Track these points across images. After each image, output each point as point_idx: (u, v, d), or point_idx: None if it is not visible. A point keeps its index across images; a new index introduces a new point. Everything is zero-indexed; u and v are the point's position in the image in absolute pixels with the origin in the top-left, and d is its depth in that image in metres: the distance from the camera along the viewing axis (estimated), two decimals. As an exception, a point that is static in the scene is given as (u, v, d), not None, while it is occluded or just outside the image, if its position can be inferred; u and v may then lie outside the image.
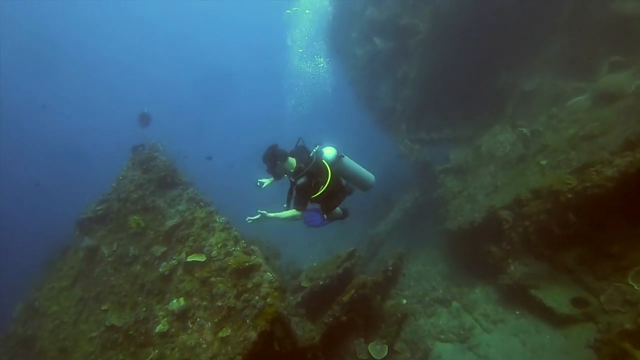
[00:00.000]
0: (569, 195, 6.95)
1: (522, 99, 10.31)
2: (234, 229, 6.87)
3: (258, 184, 5.57)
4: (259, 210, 4.72)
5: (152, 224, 7.35)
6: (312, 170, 4.79)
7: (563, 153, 7.92)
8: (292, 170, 4.92)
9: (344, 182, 5.39)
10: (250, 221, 4.84)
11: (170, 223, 7.13)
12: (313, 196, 4.87)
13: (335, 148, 5.13)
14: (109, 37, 43.03)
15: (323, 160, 4.98)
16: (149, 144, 8.39)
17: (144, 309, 6.41)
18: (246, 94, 44.40)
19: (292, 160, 4.96)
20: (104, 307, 6.73)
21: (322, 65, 15.14)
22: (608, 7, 9.38)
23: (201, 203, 7.34)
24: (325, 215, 5.51)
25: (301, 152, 5.11)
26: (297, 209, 4.79)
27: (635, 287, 6.40)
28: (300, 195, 4.79)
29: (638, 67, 8.38)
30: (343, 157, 5.17)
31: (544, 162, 8.15)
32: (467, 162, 10.56)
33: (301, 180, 4.73)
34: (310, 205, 5.08)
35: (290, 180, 5.02)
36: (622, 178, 6.46)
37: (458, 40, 10.33)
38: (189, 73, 43.84)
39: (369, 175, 5.45)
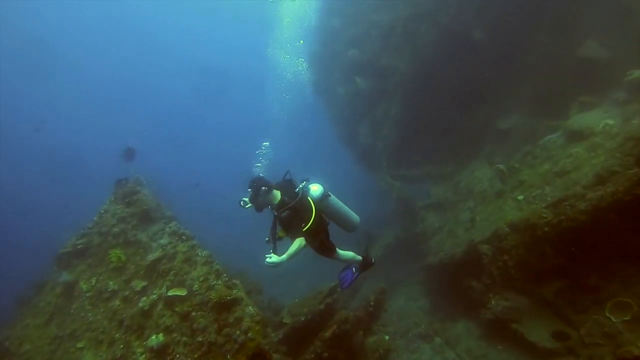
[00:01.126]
0: (545, 229, 7.15)
1: (499, 137, 10.73)
2: (215, 262, 6.89)
3: (242, 203, 5.40)
4: (271, 261, 4.56)
5: (133, 258, 7.31)
6: (297, 205, 4.72)
7: (538, 188, 8.18)
8: (276, 203, 4.85)
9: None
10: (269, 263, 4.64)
11: (151, 257, 7.10)
12: (302, 231, 4.75)
13: (322, 186, 5.07)
14: (103, 39, 43.55)
15: (308, 197, 4.90)
16: (133, 178, 8.43)
17: (121, 346, 6.27)
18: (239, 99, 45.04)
19: (277, 193, 4.91)
20: (79, 345, 6.56)
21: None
22: (575, 51, 10.06)
23: (183, 237, 7.35)
24: (353, 268, 5.78)
25: (287, 185, 5.04)
26: (299, 235, 4.70)
27: (613, 320, 6.49)
28: (290, 224, 4.74)
29: (605, 107, 8.85)
30: (330, 196, 5.12)
31: (520, 197, 8.39)
32: (447, 198, 10.80)
33: (285, 214, 4.68)
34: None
35: (274, 214, 4.96)
36: (595, 211, 6.70)
37: (436, 81, 10.82)
38: (185, 73, 44.75)
39: (354, 216, 5.41)
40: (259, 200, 4.83)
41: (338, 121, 14.88)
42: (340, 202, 5.29)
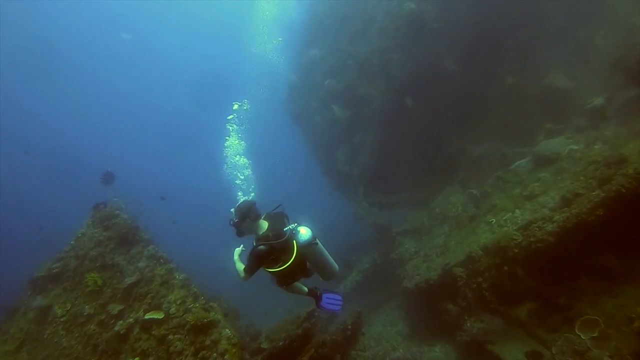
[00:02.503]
0: (516, 250, 7.41)
1: (472, 163, 11.14)
2: (193, 285, 6.91)
3: (231, 222, 5.07)
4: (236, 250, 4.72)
5: (110, 281, 7.27)
6: (278, 246, 4.43)
7: (509, 212, 8.49)
8: (259, 234, 4.60)
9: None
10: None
11: (129, 280, 7.08)
12: (268, 269, 4.53)
13: (312, 231, 4.69)
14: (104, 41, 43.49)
15: (294, 241, 4.55)
16: (112, 202, 8.45)
17: (95, 372, 6.17)
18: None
19: (264, 224, 4.70)
20: (51, 371, 6.42)
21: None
22: (540, 81, 10.69)
23: (161, 260, 7.36)
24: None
25: (277, 221, 4.75)
26: (245, 271, 4.50)
27: (582, 337, 6.68)
28: (254, 261, 4.46)
29: (569, 133, 9.37)
30: (317, 244, 4.75)
31: (492, 221, 8.67)
32: (422, 223, 11.03)
33: (260, 248, 4.38)
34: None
35: (253, 243, 4.64)
36: (562, 232, 7.03)
37: (411, 109, 11.25)
38: (185, 76, 43.93)
39: (335, 265, 5.07)
40: (242, 227, 4.64)
41: (316, 148, 15.16)
42: (325, 250, 4.94)
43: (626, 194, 6.53)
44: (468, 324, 8.12)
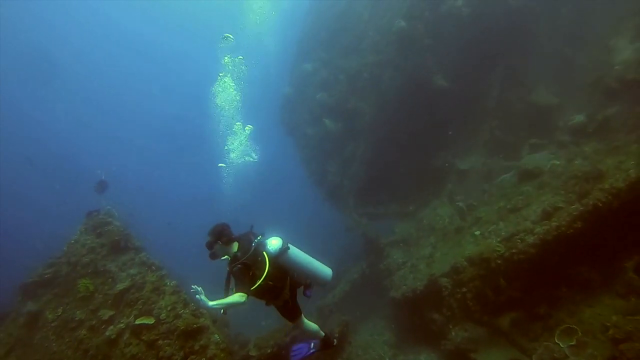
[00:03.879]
0: (498, 261, 7.64)
1: (459, 177, 11.42)
2: (183, 292, 7.04)
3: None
4: (201, 297, 4.19)
5: (102, 287, 7.38)
6: (248, 261, 4.39)
7: (493, 224, 8.72)
8: (231, 256, 4.60)
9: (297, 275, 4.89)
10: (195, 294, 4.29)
11: (120, 286, 7.20)
12: (251, 288, 4.36)
13: (282, 239, 4.68)
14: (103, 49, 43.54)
15: (264, 252, 4.52)
16: (104, 210, 8.59)
17: (85, 376, 6.26)
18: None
19: (235, 246, 4.65)
20: (40, 376, 6.49)
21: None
22: (526, 97, 11.06)
23: (153, 267, 7.50)
24: (312, 344, 5.39)
25: (244, 240, 4.68)
26: (244, 292, 4.24)
27: (561, 345, 6.89)
28: (241, 281, 4.33)
29: (552, 148, 9.70)
30: (289, 248, 4.65)
31: (477, 233, 8.91)
32: (410, 235, 11.24)
33: (236, 269, 4.36)
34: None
35: (227, 267, 4.60)
36: (542, 244, 7.28)
37: (400, 123, 11.55)
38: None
39: (323, 269, 4.91)
40: (215, 250, 4.62)
41: (308, 160, 15.39)
42: (304, 254, 4.82)
43: (602, 207, 6.83)
44: (453, 333, 8.29)
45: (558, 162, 9.06)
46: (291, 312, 5.04)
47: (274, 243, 4.62)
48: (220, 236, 4.58)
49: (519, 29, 11.14)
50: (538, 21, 11.17)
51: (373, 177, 12.74)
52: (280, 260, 4.61)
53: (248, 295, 4.29)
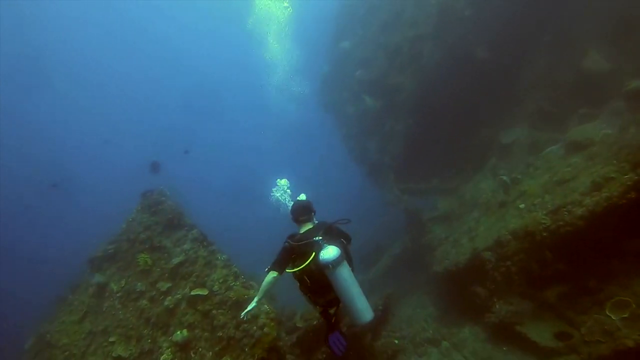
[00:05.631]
0: (544, 234, 7.51)
1: (502, 151, 11.14)
2: (234, 265, 7.48)
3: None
4: (251, 309, 4.46)
5: (159, 262, 7.93)
6: (297, 248, 4.43)
7: (539, 197, 8.54)
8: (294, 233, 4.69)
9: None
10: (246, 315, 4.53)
11: (175, 261, 7.71)
12: (287, 270, 4.47)
13: (338, 253, 4.19)
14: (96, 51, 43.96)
15: (314, 252, 4.30)
16: (157, 189, 9.13)
17: (149, 341, 6.84)
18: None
19: (307, 226, 4.72)
20: (111, 340, 7.14)
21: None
22: (576, 63, 10.50)
23: (204, 242, 7.96)
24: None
25: (315, 229, 4.65)
26: (273, 269, 4.42)
27: (613, 318, 6.76)
28: (278, 254, 4.51)
29: (604, 117, 9.24)
30: (333, 269, 4.17)
31: (522, 206, 8.75)
32: (452, 210, 11.17)
33: (284, 244, 4.52)
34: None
35: None
36: (591, 216, 7.07)
37: (441, 98, 11.36)
38: (178, 89, 45.02)
39: (363, 309, 4.28)
40: (294, 217, 4.80)
41: (348, 138, 15.46)
42: (351, 283, 4.26)
43: (659, 176, 6.54)
44: (497, 306, 8.29)
45: (610, 132, 8.67)
46: (326, 321, 4.83)
47: (327, 251, 4.20)
48: (294, 214, 4.79)
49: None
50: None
51: (413, 153, 12.65)
52: (319, 268, 4.25)
53: (279, 273, 4.41)
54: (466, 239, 9.67)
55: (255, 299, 4.47)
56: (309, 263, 4.28)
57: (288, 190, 5.83)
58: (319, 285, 4.36)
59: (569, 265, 7.60)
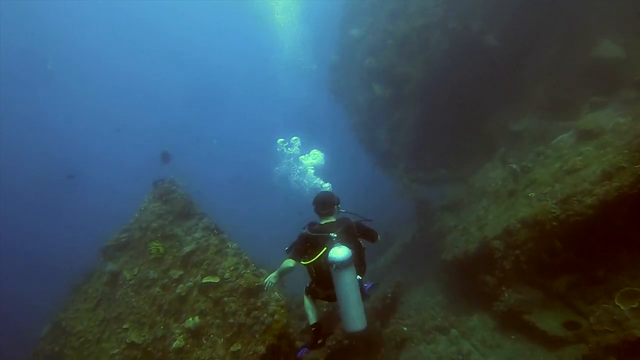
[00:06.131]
0: (554, 223, 7.49)
1: (512, 139, 11.06)
2: (244, 254, 7.59)
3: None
4: (267, 280, 4.50)
5: (171, 250, 8.07)
6: (311, 239, 4.41)
7: (549, 186, 8.49)
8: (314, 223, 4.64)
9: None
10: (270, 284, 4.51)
11: (187, 249, 7.84)
12: (302, 262, 4.46)
13: (347, 257, 4.09)
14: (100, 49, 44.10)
15: (325, 247, 4.27)
16: (168, 179, 9.24)
17: (162, 327, 7.00)
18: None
19: (329, 219, 4.63)
20: (124, 326, 7.32)
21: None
22: (588, 51, 10.32)
23: (215, 231, 8.07)
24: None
25: (335, 224, 4.55)
26: (290, 257, 4.44)
27: (622, 308, 6.77)
28: (294, 241, 4.54)
29: (616, 106, 9.12)
30: (337, 270, 4.10)
31: (531, 195, 8.71)
32: (461, 199, 11.15)
33: (301, 232, 4.51)
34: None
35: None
36: (601, 205, 7.02)
37: (450, 86, 11.28)
38: (181, 84, 44.89)
39: (354, 318, 4.18)
40: (315, 209, 4.73)
41: (358, 127, 15.41)
42: (350, 290, 4.15)
43: (671, 166, 6.48)
44: (506, 295, 8.32)
45: (623, 120, 8.55)
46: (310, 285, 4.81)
47: (336, 250, 4.13)
48: (315, 207, 4.68)
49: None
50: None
51: (423, 142, 12.61)
52: (325, 265, 4.24)
53: (296, 262, 4.40)
54: (475, 227, 9.67)
55: (272, 274, 4.51)
56: (319, 257, 4.28)
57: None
58: (322, 278, 4.36)
59: (579, 255, 7.58)
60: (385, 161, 13.70)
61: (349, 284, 4.13)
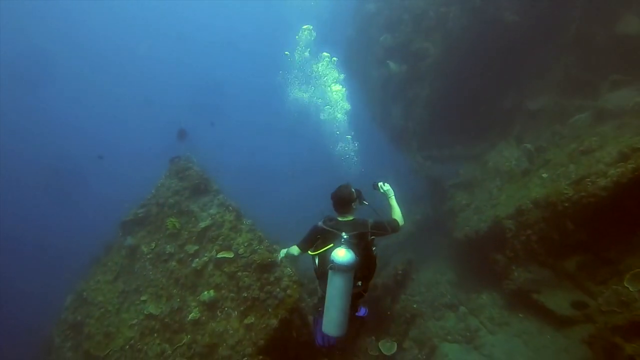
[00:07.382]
0: (566, 204, 7.48)
1: (528, 118, 10.91)
2: (258, 230, 7.75)
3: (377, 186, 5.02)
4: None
5: (187, 225, 8.28)
6: (322, 232, 4.32)
7: (563, 166, 8.43)
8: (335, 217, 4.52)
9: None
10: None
11: (202, 225, 8.05)
12: (309, 252, 4.46)
13: (348, 263, 3.93)
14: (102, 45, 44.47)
15: (332, 244, 4.15)
16: (184, 156, 9.41)
17: (178, 300, 7.26)
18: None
19: (347, 217, 4.46)
20: (143, 298, 7.62)
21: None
22: (612, 27, 10.01)
23: (230, 207, 8.24)
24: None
25: (350, 223, 4.37)
26: (298, 246, 4.51)
27: (631, 289, 6.81)
28: (305, 234, 4.48)
29: (637, 85, 8.90)
30: (334, 273, 3.97)
31: (545, 175, 8.68)
32: (475, 177, 11.10)
33: (315, 224, 4.42)
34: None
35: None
36: (615, 187, 6.98)
37: (467, 63, 11.08)
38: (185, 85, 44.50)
39: (334, 322, 4.00)
40: (334, 205, 4.53)
41: (372, 103, 15.28)
42: (339, 294, 3.99)
43: (688, 148, 6.38)
44: (516, 274, 8.40)
45: (644, 100, 8.40)
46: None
47: (340, 254, 3.98)
48: (334, 203, 4.48)
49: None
50: None
51: (437, 120, 12.48)
52: (326, 264, 4.10)
53: (301, 251, 4.45)
54: (488, 206, 9.70)
55: (285, 250, 4.76)
56: (324, 252, 4.20)
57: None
58: (322, 273, 4.24)
59: (590, 236, 7.60)
60: (399, 138, 13.63)
61: (340, 289, 4.00)
